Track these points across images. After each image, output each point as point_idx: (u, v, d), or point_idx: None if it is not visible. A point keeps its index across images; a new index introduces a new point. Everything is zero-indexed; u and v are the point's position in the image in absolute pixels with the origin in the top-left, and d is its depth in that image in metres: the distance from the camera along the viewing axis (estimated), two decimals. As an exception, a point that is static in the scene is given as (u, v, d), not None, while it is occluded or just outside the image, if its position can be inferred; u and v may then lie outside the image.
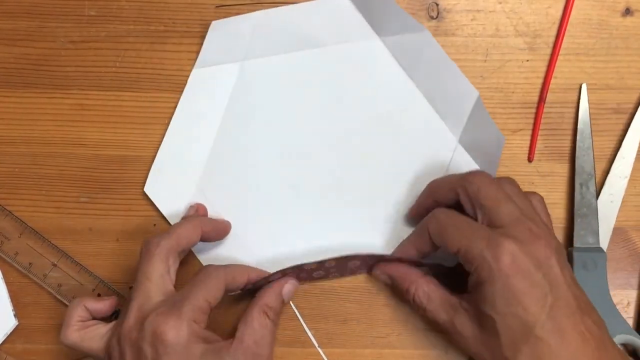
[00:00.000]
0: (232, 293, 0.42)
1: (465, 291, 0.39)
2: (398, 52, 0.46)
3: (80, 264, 0.45)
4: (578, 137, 0.45)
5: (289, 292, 0.43)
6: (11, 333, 0.45)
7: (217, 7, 0.46)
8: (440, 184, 0.42)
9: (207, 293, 0.39)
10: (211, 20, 0.46)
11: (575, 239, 0.44)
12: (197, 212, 0.44)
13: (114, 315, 0.42)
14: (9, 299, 0.45)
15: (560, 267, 0.36)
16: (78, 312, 0.41)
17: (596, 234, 0.44)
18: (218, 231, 0.44)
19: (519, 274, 0.36)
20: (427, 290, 0.41)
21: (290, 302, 0.45)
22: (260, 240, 0.45)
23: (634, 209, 0.46)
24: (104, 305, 0.42)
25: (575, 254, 0.44)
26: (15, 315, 0.45)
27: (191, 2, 0.46)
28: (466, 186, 0.39)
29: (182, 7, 0.46)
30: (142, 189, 0.46)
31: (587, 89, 0.46)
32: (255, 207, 0.45)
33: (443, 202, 0.41)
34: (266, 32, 0.46)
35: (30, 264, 0.45)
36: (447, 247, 0.39)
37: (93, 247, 0.46)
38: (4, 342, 0.45)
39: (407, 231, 0.44)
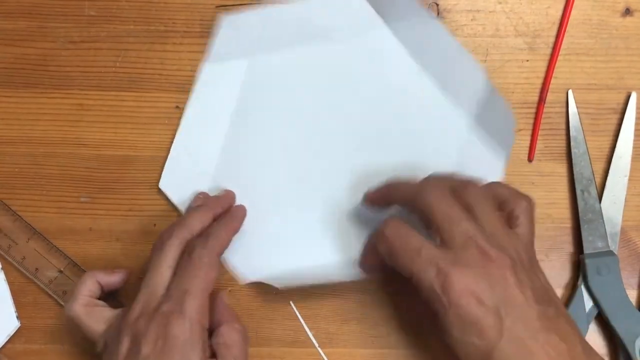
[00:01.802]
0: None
1: None
2: (407, 39, 0.46)
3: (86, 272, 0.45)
4: (572, 144, 0.45)
5: (225, 298, 0.42)
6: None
7: (217, 7, 0.46)
8: (397, 190, 0.41)
9: (205, 289, 0.38)
10: (211, 21, 0.46)
11: (584, 245, 0.44)
12: (205, 200, 0.44)
13: (114, 298, 0.43)
14: (12, 301, 0.45)
15: (518, 283, 0.35)
16: (89, 286, 0.41)
17: (604, 237, 0.44)
18: (232, 215, 0.44)
19: (470, 302, 0.34)
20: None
21: (290, 302, 0.45)
22: (274, 233, 0.45)
23: (634, 209, 0.46)
24: (116, 278, 0.42)
25: (587, 261, 0.44)
26: (17, 317, 0.45)
27: (191, 2, 0.46)
28: (418, 200, 0.38)
29: (182, 7, 0.46)
30: (142, 189, 0.46)
31: (587, 89, 0.46)
32: (269, 201, 0.45)
33: (400, 205, 0.40)
34: (276, 25, 0.46)
35: (36, 269, 0.45)
36: (399, 270, 0.37)
37: (93, 247, 0.46)
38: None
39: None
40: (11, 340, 0.45)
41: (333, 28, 0.46)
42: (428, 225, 0.37)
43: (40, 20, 0.46)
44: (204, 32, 0.46)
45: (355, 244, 0.44)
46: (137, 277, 0.44)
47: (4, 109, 0.46)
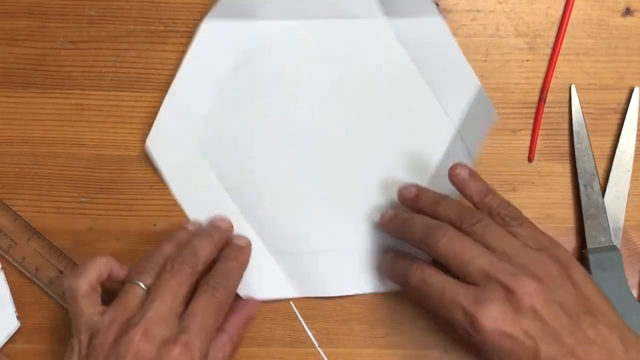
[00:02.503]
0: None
1: None
2: (403, 33, 0.46)
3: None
4: (575, 139, 0.45)
5: (253, 314, 0.44)
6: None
7: (217, 7, 0.46)
8: (407, 234, 0.41)
9: (215, 326, 0.40)
10: (211, 20, 0.46)
11: (588, 240, 0.44)
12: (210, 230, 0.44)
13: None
14: (12, 301, 0.45)
15: (545, 307, 0.36)
16: (100, 268, 0.40)
17: (608, 232, 0.44)
18: (245, 252, 0.44)
19: (502, 337, 0.35)
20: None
21: (291, 302, 0.45)
22: (260, 207, 0.45)
23: (634, 208, 0.46)
24: (122, 274, 0.41)
25: (591, 256, 0.44)
26: (17, 317, 0.45)
27: (191, 2, 0.46)
28: (431, 247, 0.39)
29: (182, 7, 0.46)
30: (142, 189, 0.46)
31: (588, 89, 0.46)
32: (252, 170, 0.46)
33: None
34: None
35: (36, 269, 0.45)
36: (430, 310, 0.39)
37: (93, 247, 0.46)
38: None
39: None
40: (11, 340, 0.45)
41: (336, 8, 0.46)
42: (444, 265, 0.38)
43: (40, 20, 0.46)
44: (204, 32, 0.46)
45: (343, 227, 0.45)
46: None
47: (4, 109, 0.46)
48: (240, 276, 0.43)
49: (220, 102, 0.46)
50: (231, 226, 0.45)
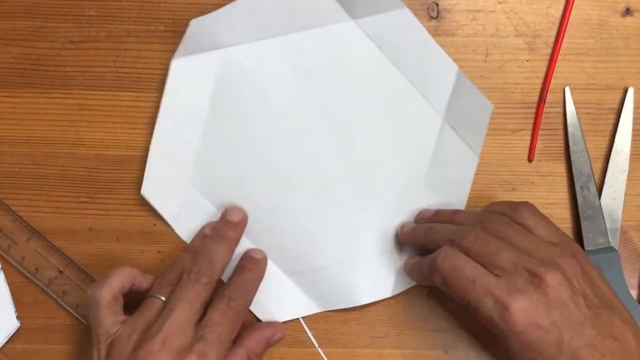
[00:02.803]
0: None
1: None
2: (374, 32, 0.45)
3: (87, 272, 0.45)
4: (570, 141, 0.45)
5: (276, 340, 0.44)
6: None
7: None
8: (434, 236, 0.42)
9: (231, 336, 0.40)
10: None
11: (585, 242, 0.44)
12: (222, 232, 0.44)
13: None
14: (12, 301, 0.45)
15: (572, 297, 0.36)
16: (123, 278, 0.40)
17: (605, 233, 0.44)
18: (261, 265, 0.45)
19: (530, 327, 0.36)
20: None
21: (291, 302, 0.46)
22: (265, 230, 0.45)
23: (634, 209, 0.46)
24: (146, 285, 0.41)
25: (589, 258, 0.44)
26: (17, 317, 0.45)
27: (191, 2, 0.46)
28: (458, 244, 0.39)
29: (182, 7, 0.46)
30: (141, 189, 0.46)
31: (588, 89, 0.46)
32: (250, 199, 0.45)
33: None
34: (245, 19, 0.45)
35: (36, 269, 0.45)
36: (456, 299, 0.39)
37: (93, 247, 0.46)
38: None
39: (393, 216, 0.45)
40: (11, 340, 0.45)
41: (297, 21, 0.45)
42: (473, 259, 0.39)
43: (40, 20, 0.46)
44: (204, 32, 0.46)
45: (340, 235, 0.45)
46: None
47: (4, 109, 0.46)
48: (256, 287, 0.43)
49: (206, 135, 0.45)
50: (245, 216, 0.44)
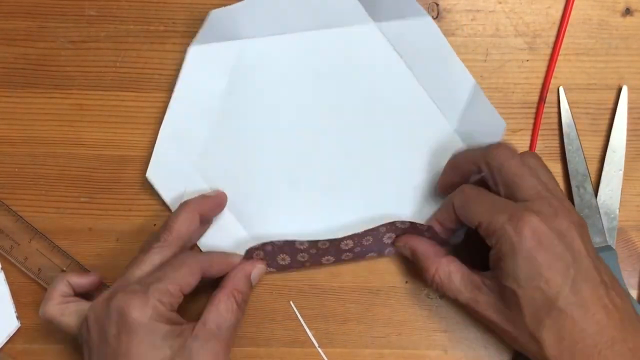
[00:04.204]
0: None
1: (488, 268, 0.39)
2: (394, 37, 0.45)
3: (89, 271, 0.45)
4: (565, 141, 0.45)
5: (256, 276, 0.43)
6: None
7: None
8: (462, 159, 0.43)
9: (180, 278, 0.39)
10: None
11: None
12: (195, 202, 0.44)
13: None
14: (12, 301, 0.45)
15: (582, 240, 0.37)
16: (61, 288, 0.41)
17: (602, 232, 0.44)
18: (215, 207, 0.44)
19: (541, 247, 0.36)
20: (449, 270, 0.41)
21: (290, 302, 0.45)
22: (260, 223, 0.45)
23: (634, 209, 0.46)
24: (87, 281, 0.42)
25: None
26: (17, 317, 0.45)
27: (191, 2, 0.46)
28: (489, 161, 0.40)
29: (182, 7, 0.46)
30: (142, 189, 0.46)
31: (588, 89, 0.46)
32: (255, 189, 0.45)
33: (467, 176, 0.42)
34: (263, 13, 0.45)
35: (39, 269, 0.45)
36: (469, 221, 0.39)
37: (93, 247, 0.46)
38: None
39: (401, 216, 0.45)
40: (11, 340, 0.45)
41: (318, 18, 0.45)
42: (496, 183, 0.39)
43: (40, 20, 0.46)
44: (204, 32, 0.46)
45: (342, 230, 0.45)
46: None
47: (4, 109, 0.46)
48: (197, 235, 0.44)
49: (216, 124, 0.45)
50: (221, 196, 0.45)
